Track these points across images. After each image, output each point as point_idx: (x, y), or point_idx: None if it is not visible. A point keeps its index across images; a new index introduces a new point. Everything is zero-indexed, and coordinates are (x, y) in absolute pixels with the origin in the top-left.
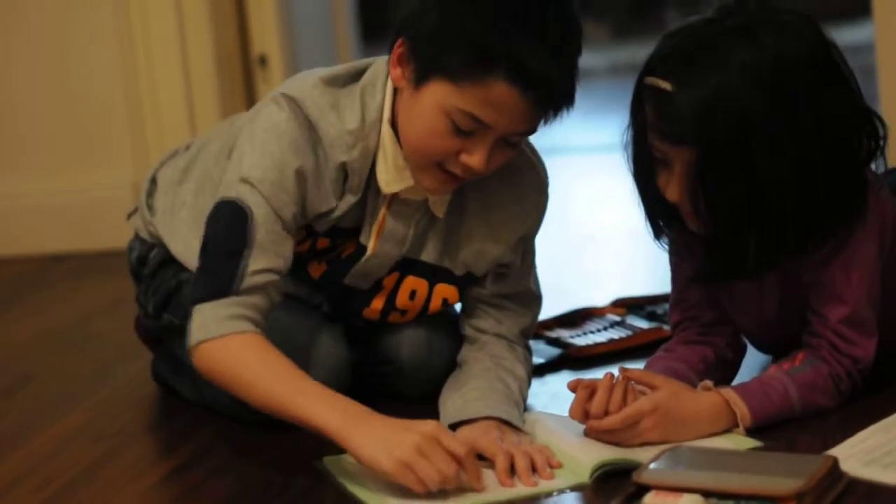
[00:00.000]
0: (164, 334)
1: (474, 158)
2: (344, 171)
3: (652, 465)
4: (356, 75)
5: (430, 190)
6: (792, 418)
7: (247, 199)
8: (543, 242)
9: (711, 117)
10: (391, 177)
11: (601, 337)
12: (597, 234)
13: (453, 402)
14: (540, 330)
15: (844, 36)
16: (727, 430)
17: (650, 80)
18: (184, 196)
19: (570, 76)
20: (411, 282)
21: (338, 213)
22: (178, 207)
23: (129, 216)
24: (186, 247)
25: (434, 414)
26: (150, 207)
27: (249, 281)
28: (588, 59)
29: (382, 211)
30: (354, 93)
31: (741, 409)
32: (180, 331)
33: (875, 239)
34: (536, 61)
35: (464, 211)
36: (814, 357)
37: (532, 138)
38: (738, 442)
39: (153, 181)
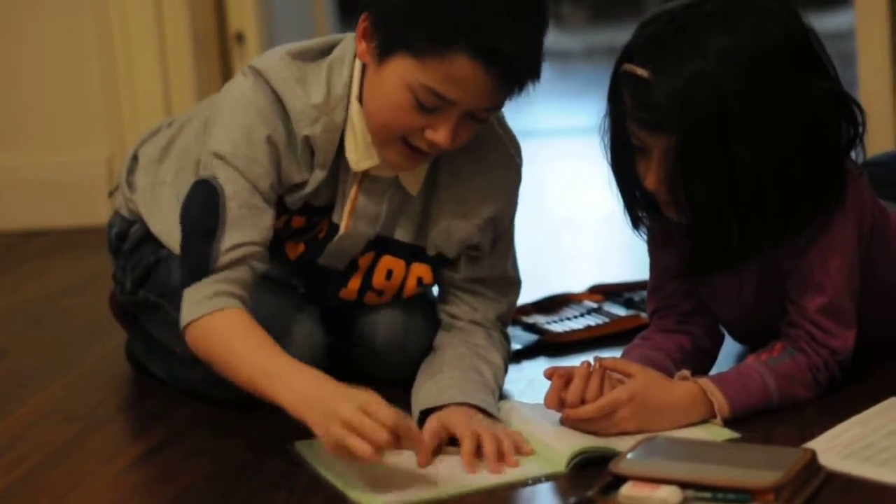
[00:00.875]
0: (139, 311)
1: (439, 135)
2: (310, 145)
3: (629, 456)
4: (326, 50)
5: (395, 166)
6: (770, 409)
7: (219, 174)
8: (519, 226)
9: (689, 104)
10: (360, 154)
11: (578, 323)
12: (573, 218)
13: (427, 390)
14: (517, 315)
15: (823, 23)
16: (704, 421)
17: (627, 67)
18: (164, 175)
19: (534, 51)
20: (387, 261)
21: (308, 189)
22: (158, 186)
23: (111, 193)
24: (165, 225)
25: (408, 398)
26: (130, 185)
27: (226, 258)
28: (565, 42)
29: (354, 189)
30: (322, 67)
31: (718, 400)
32: (155, 307)
33: (854, 227)
34: (499, 36)
35: (436, 187)
36: (792, 347)
37: (509, 123)
38: (716, 433)
39: (135, 158)
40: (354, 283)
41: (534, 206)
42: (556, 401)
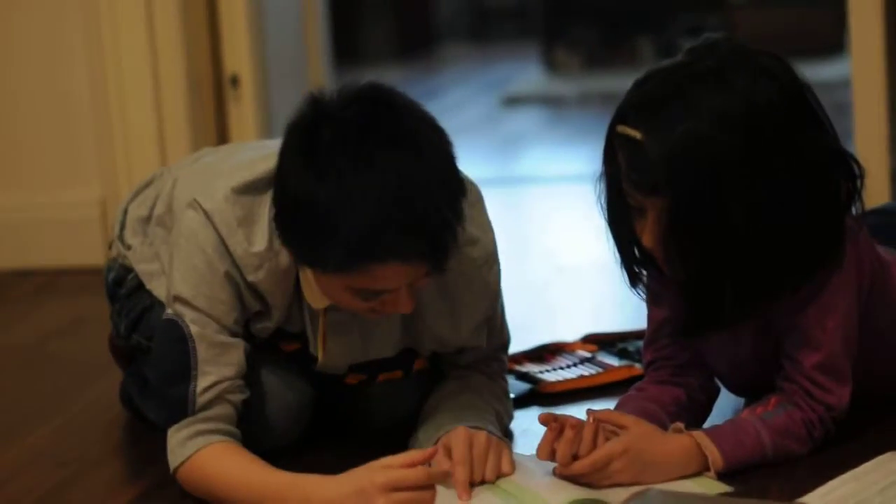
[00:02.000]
0: (133, 355)
1: (399, 307)
2: (257, 290)
3: None
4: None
5: (363, 315)
6: (764, 463)
7: (185, 315)
8: (512, 274)
9: (681, 166)
10: (315, 294)
11: (571, 373)
12: (566, 267)
13: (425, 430)
14: (510, 364)
15: (817, 72)
16: (698, 474)
17: (621, 128)
18: (154, 247)
19: (451, 233)
20: (385, 376)
21: (272, 323)
22: (150, 258)
23: (111, 245)
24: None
25: (402, 438)
26: (122, 240)
27: (202, 400)
28: (559, 88)
29: (321, 322)
30: (266, 206)
31: (712, 453)
32: (147, 351)
33: (852, 285)
34: (417, 251)
35: (419, 300)
36: (787, 402)
37: (502, 170)
38: (709, 486)
39: (125, 212)
40: (353, 379)
41: (526, 255)
42: (549, 452)
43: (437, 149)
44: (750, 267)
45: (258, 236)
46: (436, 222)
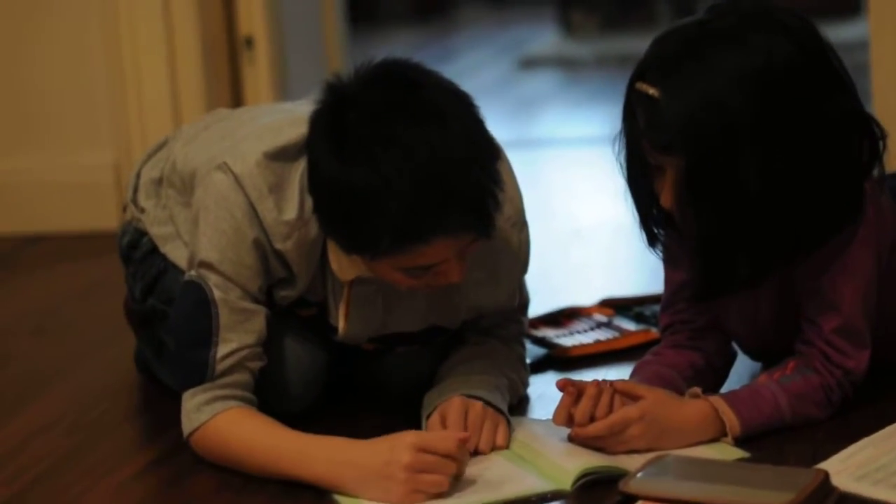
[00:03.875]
0: (148, 319)
1: (451, 277)
2: (284, 258)
3: (639, 475)
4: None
5: (404, 287)
6: (782, 428)
7: (209, 280)
8: (530, 237)
9: (695, 126)
10: (343, 265)
11: (587, 338)
12: (583, 230)
13: (429, 397)
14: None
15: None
16: (715, 439)
17: (639, 85)
18: (168, 209)
19: (492, 198)
20: (403, 349)
21: (294, 293)
22: (164, 220)
23: (125, 208)
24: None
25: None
26: (136, 203)
27: (221, 366)
28: (576, 50)
29: (345, 293)
30: (297, 174)
31: (730, 418)
32: (163, 316)
33: (872, 248)
34: (461, 223)
35: None
36: (805, 366)
37: (519, 132)
38: (726, 452)
39: (138, 175)
40: (370, 346)
41: (543, 217)
42: (565, 417)
43: (463, 117)
44: (764, 229)
45: (289, 204)
46: (475, 192)
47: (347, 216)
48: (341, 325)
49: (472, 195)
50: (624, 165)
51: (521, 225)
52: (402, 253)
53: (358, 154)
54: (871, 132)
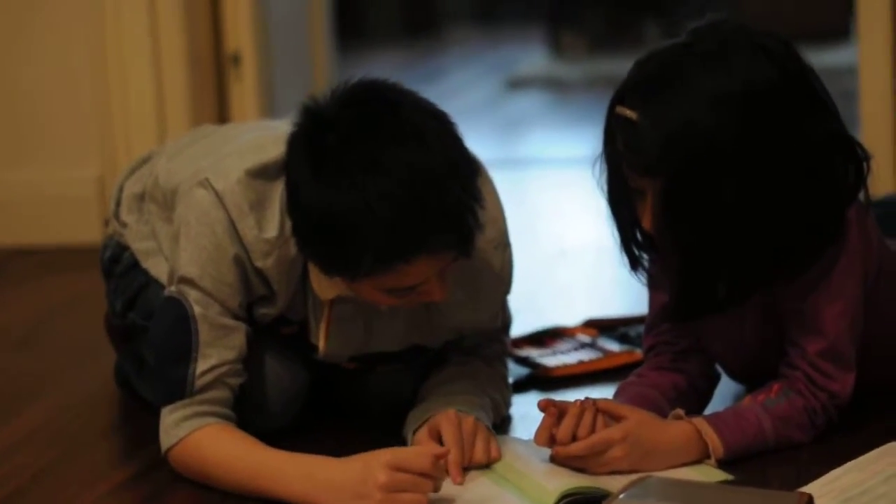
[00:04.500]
0: (129, 334)
1: (433, 295)
2: (264, 276)
3: (621, 496)
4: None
5: (384, 306)
6: (765, 451)
7: (189, 295)
8: (515, 257)
9: (675, 149)
10: (324, 285)
11: (571, 358)
12: (568, 250)
13: (414, 414)
14: (509, 348)
15: (824, 59)
16: (698, 461)
17: (619, 109)
18: (150, 224)
19: (472, 216)
20: (384, 368)
21: (274, 311)
22: (146, 235)
23: (107, 222)
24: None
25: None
26: (118, 218)
27: (200, 382)
28: (564, 72)
29: (325, 313)
30: (278, 192)
31: (713, 440)
32: (143, 330)
33: (858, 271)
34: (442, 241)
35: None
36: (789, 389)
37: (506, 152)
38: (710, 474)
39: (120, 189)
40: (351, 365)
41: (528, 238)
42: (547, 437)
43: (442, 135)
44: (743, 251)
45: (270, 222)
46: (455, 210)
47: (328, 239)
48: (322, 343)
49: (453, 213)
50: (605, 189)
51: (504, 246)
52: (384, 274)
53: (337, 177)
54: (854, 154)
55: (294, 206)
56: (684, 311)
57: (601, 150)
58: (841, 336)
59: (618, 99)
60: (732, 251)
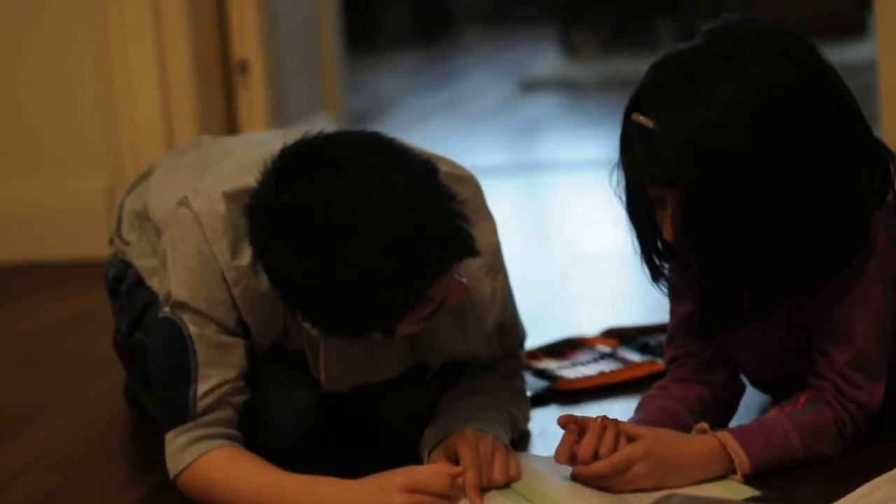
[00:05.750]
0: (136, 353)
1: (460, 296)
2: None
3: None
4: None
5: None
6: (793, 465)
7: (183, 317)
8: (529, 265)
9: (693, 157)
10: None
11: (590, 369)
12: (585, 257)
13: (430, 432)
14: (527, 360)
15: (842, 54)
16: (723, 476)
17: (635, 117)
18: (151, 243)
19: (463, 221)
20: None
21: (265, 343)
22: (148, 253)
23: (111, 241)
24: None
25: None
26: (120, 235)
27: (203, 403)
28: (577, 73)
29: (322, 346)
30: None
31: (739, 455)
32: None
33: (887, 278)
34: (449, 258)
35: None
36: (817, 400)
37: (520, 155)
38: (735, 490)
39: (121, 206)
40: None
41: (545, 244)
42: (567, 456)
43: (386, 161)
44: (768, 262)
45: (244, 251)
46: (445, 223)
47: (335, 313)
48: (322, 376)
49: (446, 228)
50: (624, 198)
51: (496, 272)
52: (415, 312)
53: (318, 256)
54: (879, 156)
55: (286, 293)
56: (708, 325)
57: (618, 158)
58: (870, 345)
59: (633, 106)
60: (757, 261)
